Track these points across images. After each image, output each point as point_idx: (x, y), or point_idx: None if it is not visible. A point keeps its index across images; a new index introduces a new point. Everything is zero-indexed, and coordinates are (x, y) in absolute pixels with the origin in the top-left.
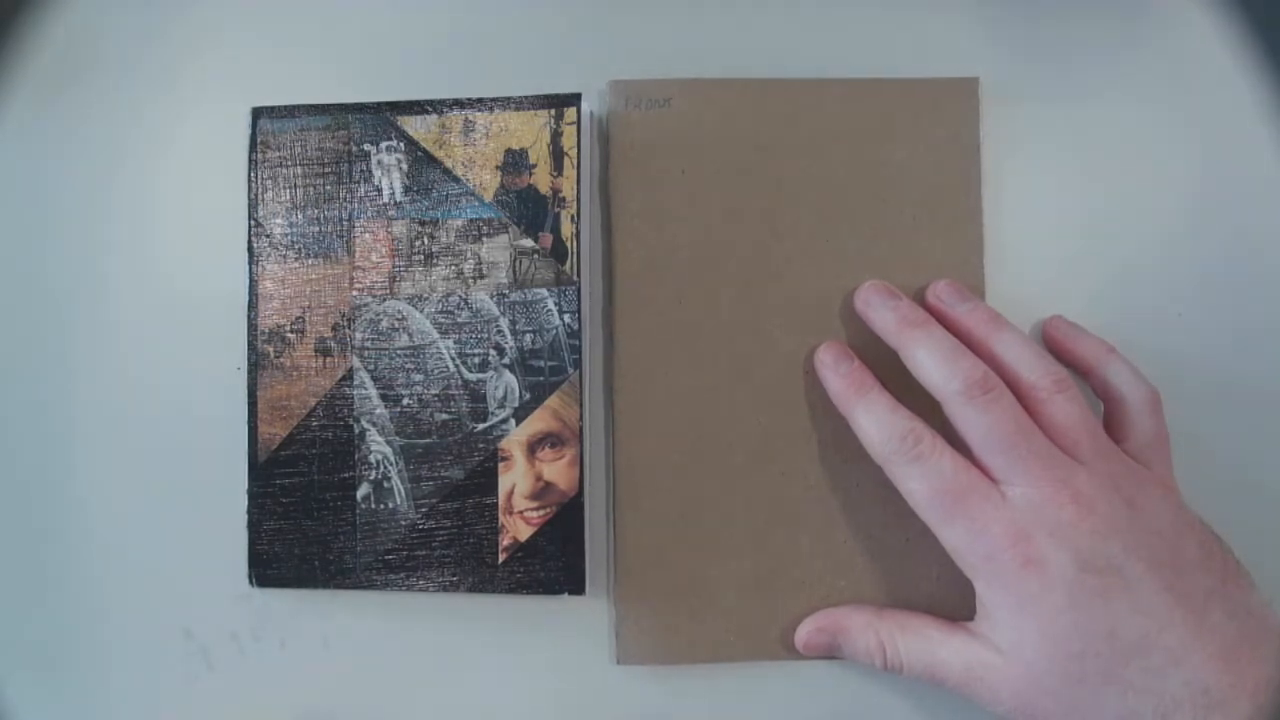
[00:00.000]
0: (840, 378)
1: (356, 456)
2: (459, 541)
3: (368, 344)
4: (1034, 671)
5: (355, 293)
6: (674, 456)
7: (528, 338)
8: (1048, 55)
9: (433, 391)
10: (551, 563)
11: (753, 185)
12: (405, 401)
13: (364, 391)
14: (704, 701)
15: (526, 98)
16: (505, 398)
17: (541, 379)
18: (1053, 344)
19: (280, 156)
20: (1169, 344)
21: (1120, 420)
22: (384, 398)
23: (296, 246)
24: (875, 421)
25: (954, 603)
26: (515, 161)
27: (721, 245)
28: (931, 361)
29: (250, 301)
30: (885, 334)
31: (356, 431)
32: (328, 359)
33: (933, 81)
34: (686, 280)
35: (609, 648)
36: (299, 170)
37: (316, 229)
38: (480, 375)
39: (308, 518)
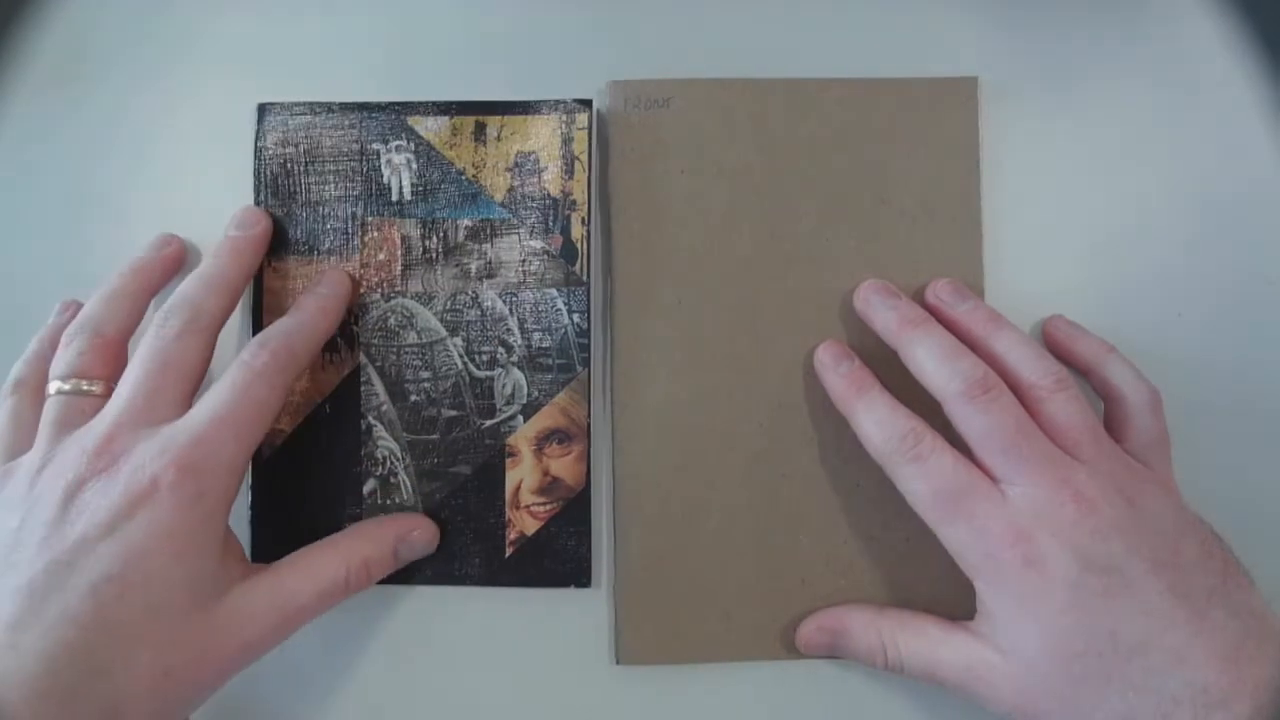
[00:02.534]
0: (840, 378)
1: (363, 452)
2: (465, 536)
3: (375, 341)
4: (1035, 671)
5: (363, 290)
6: (674, 456)
7: (536, 336)
8: (1048, 55)
9: (441, 388)
10: (558, 555)
11: (753, 185)
12: (413, 398)
13: (371, 388)
14: (704, 701)
15: (539, 102)
16: (513, 395)
17: (550, 376)
18: (1053, 344)
19: (287, 153)
20: (1169, 344)
21: (1120, 420)
22: (391, 394)
23: (304, 244)
24: (875, 421)
25: (954, 602)
26: (526, 164)
27: (721, 245)
28: (931, 361)
29: (257, 299)
30: (885, 334)
31: (363, 428)
32: (335, 355)
33: (933, 81)
34: (686, 280)
35: (610, 647)
36: (306, 167)
37: (324, 226)
38: (488, 372)
39: (313, 514)
